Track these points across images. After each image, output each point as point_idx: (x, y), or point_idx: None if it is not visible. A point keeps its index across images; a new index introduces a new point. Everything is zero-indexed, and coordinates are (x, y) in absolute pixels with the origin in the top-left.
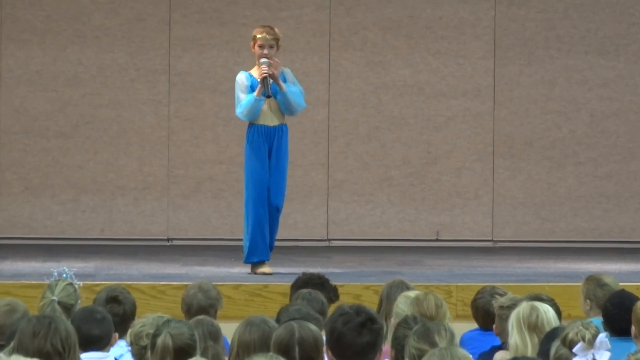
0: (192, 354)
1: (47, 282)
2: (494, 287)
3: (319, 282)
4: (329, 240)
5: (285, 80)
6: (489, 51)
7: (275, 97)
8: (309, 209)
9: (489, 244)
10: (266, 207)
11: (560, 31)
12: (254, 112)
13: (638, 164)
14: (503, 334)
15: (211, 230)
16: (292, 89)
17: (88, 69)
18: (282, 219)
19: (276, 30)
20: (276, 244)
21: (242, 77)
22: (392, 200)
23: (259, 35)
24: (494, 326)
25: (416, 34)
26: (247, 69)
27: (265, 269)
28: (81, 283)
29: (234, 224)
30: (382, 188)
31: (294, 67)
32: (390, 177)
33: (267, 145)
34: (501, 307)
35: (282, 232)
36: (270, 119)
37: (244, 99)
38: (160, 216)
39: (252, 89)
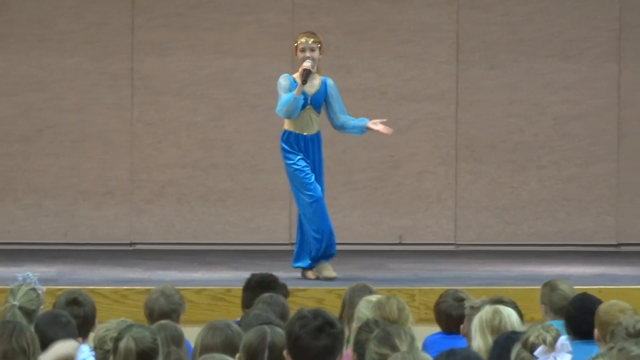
0: (154, 358)
1: (11, 286)
2: (456, 290)
3: (270, 282)
4: (292, 244)
5: (323, 92)
6: (452, 55)
7: (316, 108)
8: (272, 212)
9: (452, 247)
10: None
11: (523, 35)
12: (292, 110)
13: (600, 168)
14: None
15: (174, 234)
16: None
17: (51, 74)
18: (245, 223)
19: (318, 35)
20: (238, 248)
21: (284, 80)
22: (355, 204)
23: (301, 40)
24: (462, 326)
25: (379, 37)
26: (210, 71)
27: (330, 271)
28: (44, 288)
29: (197, 228)
30: (344, 192)
31: (257, 71)
32: (353, 180)
33: (304, 152)
34: (472, 307)
35: (244, 236)
36: (306, 128)
37: (283, 97)
38: (123, 221)
39: (292, 89)
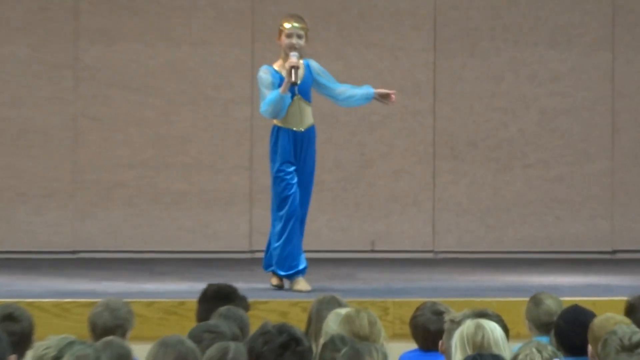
0: None
1: None
2: (434, 303)
3: (228, 293)
4: (252, 252)
5: (307, 77)
6: (429, 43)
7: (305, 97)
8: (230, 217)
9: (430, 255)
10: (299, 219)
11: (506, 20)
12: (279, 109)
13: (592, 166)
14: (449, 351)
15: (122, 241)
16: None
17: None
18: (201, 228)
19: (305, 19)
20: (193, 256)
21: (265, 73)
22: (322, 207)
23: (286, 25)
24: (440, 342)
25: (349, 24)
26: (161, 61)
27: (301, 284)
28: None
29: (147, 234)
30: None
31: (213, 61)
32: (320, 181)
33: (294, 150)
34: (452, 321)
35: (200, 243)
36: (297, 122)
37: (268, 96)
38: (66, 226)
39: (277, 86)
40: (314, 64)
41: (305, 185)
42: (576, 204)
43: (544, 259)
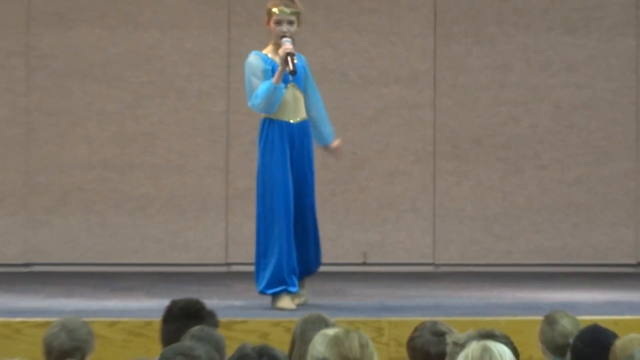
0: None
1: None
2: (435, 322)
3: (197, 310)
4: (229, 264)
5: (299, 69)
6: (429, 27)
7: (299, 85)
8: (203, 225)
9: (430, 268)
10: (291, 224)
11: (517, 2)
12: (272, 102)
13: (614, 167)
14: None
15: (80, 252)
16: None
17: None
18: (171, 238)
19: (297, 2)
20: (162, 269)
21: (256, 59)
22: None
23: (275, 9)
24: None
25: (338, 6)
26: (125, 48)
27: (286, 302)
28: None
29: (109, 244)
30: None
31: (184, 48)
32: None
33: (288, 146)
34: (455, 343)
35: (169, 255)
36: (291, 113)
37: (259, 87)
38: (16, 235)
39: (270, 73)
40: (305, 59)
41: (306, 186)
42: (596, 210)
43: (560, 272)
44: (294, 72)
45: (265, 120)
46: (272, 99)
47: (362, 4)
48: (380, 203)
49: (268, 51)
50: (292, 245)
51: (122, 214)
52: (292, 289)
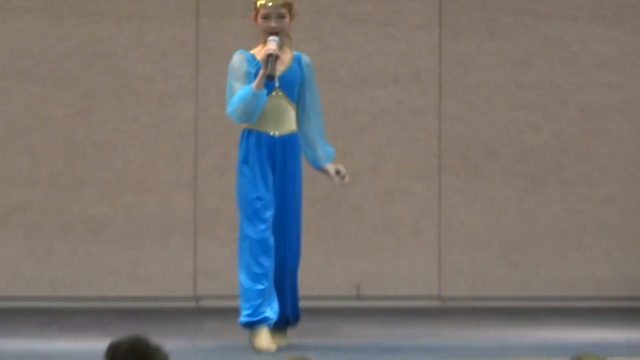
0: None
1: None
2: None
3: (144, 348)
4: (198, 298)
5: (297, 73)
6: (433, 17)
7: (289, 94)
8: (168, 252)
9: (435, 302)
10: (271, 248)
11: None
12: (251, 111)
13: None
14: None
15: (22, 285)
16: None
17: None
18: (129, 268)
19: None
20: (121, 305)
21: (238, 60)
22: None
23: (261, 2)
24: None
25: None
26: (75, 43)
27: (264, 341)
28: None
29: (55, 275)
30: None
31: (145, 42)
32: None
33: (268, 162)
34: None
35: (129, 287)
36: (273, 124)
37: (237, 92)
38: None
39: (253, 77)
40: (307, 61)
41: (287, 211)
42: (631, 233)
43: (588, 307)
44: (272, 77)
45: (244, 131)
46: (250, 107)
47: None
48: (376, 226)
49: (257, 51)
50: (268, 270)
51: (71, 239)
52: (270, 316)
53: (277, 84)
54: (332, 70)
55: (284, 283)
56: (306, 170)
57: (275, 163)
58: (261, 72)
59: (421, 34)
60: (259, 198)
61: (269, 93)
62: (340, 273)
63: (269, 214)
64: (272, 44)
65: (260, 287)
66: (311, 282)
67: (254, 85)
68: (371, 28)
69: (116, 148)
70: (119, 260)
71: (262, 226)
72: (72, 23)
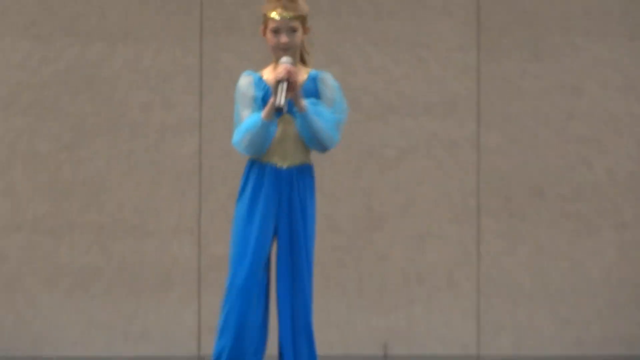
0: None
1: None
2: None
3: None
4: (202, 359)
5: (313, 93)
6: (470, 37)
7: (292, 116)
8: (168, 306)
9: None
10: (264, 299)
11: (588, 3)
12: (259, 142)
13: None
14: None
15: (2, 343)
16: (320, 109)
17: None
18: (124, 324)
19: (300, 2)
20: None
21: (245, 83)
22: None
23: (272, 13)
24: None
25: (347, 8)
26: (60, 66)
27: None
28: None
29: (39, 333)
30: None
31: (142, 66)
32: None
33: (273, 197)
34: None
35: (123, 347)
36: (280, 154)
37: (245, 121)
38: None
39: (262, 102)
40: (326, 78)
41: (297, 254)
42: None
43: None
44: (279, 109)
45: (248, 161)
46: (259, 138)
47: (379, 5)
48: (406, 276)
49: (268, 70)
50: (251, 326)
51: (57, 292)
52: None
53: (284, 109)
54: (355, 98)
55: (299, 342)
56: (326, 213)
57: (281, 199)
58: (270, 100)
59: (457, 56)
60: (246, 238)
61: (277, 116)
62: (365, 330)
63: (258, 258)
64: (283, 66)
65: (218, 343)
66: (332, 341)
67: (263, 114)
68: (399, 50)
69: (109, 188)
70: (112, 316)
71: (244, 273)
72: (59, 44)
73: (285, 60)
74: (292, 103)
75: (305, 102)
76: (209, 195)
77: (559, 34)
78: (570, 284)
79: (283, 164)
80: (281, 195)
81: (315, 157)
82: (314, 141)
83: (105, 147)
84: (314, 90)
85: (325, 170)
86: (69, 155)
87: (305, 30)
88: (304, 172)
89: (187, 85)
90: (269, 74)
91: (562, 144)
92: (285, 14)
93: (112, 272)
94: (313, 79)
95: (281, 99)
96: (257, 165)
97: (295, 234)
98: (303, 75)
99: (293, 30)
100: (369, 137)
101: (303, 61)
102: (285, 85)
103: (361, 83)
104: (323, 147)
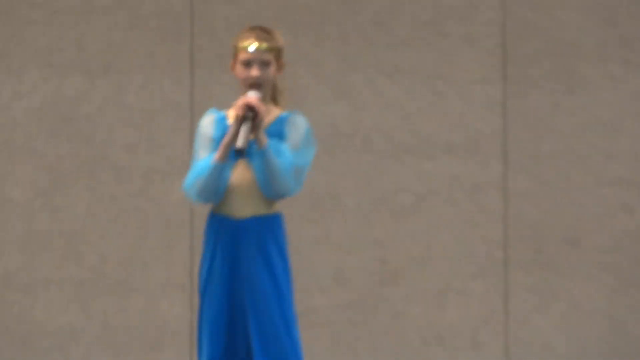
0: None
1: None
2: None
3: None
4: None
5: (277, 134)
6: (495, 68)
7: (250, 156)
8: None
9: None
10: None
11: (625, 29)
12: (211, 189)
13: None
14: None
15: None
16: (281, 149)
17: None
18: None
19: (275, 34)
20: None
21: (206, 123)
22: (315, 351)
23: (242, 45)
24: None
25: (356, 36)
26: (34, 101)
27: None
28: None
29: None
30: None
31: (125, 102)
32: (313, 307)
33: (228, 253)
34: None
35: None
36: (237, 204)
37: (196, 164)
38: None
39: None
40: (297, 120)
41: (263, 319)
42: None
43: None
44: (239, 150)
45: (208, 214)
46: (210, 184)
47: (393, 32)
48: (424, 337)
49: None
50: None
51: (32, 355)
52: None
53: (244, 151)
54: (366, 137)
55: None
56: (335, 267)
57: (239, 254)
58: (224, 140)
59: (480, 89)
60: (206, 308)
61: (233, 163)
62: None
63: (225, 320)
64: (252, 95)
65: None
66: None
67: (216, 155)
68: (415, 82)
69: (90, 239)
70: None
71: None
72: (32, 77)
73: (252, 93)
74: (253, 144)
75: (266, 139)
76: (201, 248)
77: (594, 65)
78: (608, 345)
79: (240, 214)
80: (239, 249)
81: (321, 205)
82: (268, 185)
83: (85, 193)
84: (279, 133)
85: (333, 219)
86: (44, 202)
87: (280, 66)
88: (267, 224)
89: (176, 122)
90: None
91: (600, 188)
92: (258, 45)
93: (93, 333)
94: (281, 121)
95: (241, 139)
96: (213, 218)
97: (258, 295)
98: (271, 116)
99: (266, 64)
100: (382, 181)
101: (274, 101)
102: (249, 124)
103: (372, 120)
104: (277, 193)
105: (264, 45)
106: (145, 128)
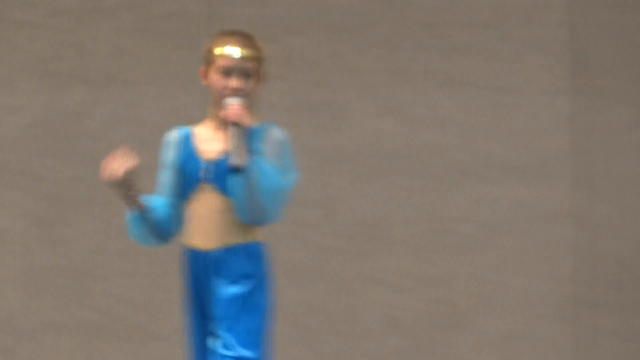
0: None
1: None
2: None
3: None
4: None
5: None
6: (562, 78)
7: (222, 187)
8: None
9: None
10: None
11: None
12: (137, 234)
13: None
14: None
15: None
16: (265, 167)
17: None
18: None
19: (257, 41)
20: None
21: (166, 143)
22: None
23: (221, 51)
24: None
25: (405, 43)
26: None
27: None
28: None
29: None
30: None
31: (134, 117)
32: (360, 354)
33: (199, 292)
34: None
35: None
36: (203, 234)
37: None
38: None
39: (181, 169)
40: (273, 132)
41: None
42: None
43: None
44: (236, 168)
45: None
46: (140, 233)
47: (447, 38)
48: None
49: (203, 127)
50: None
51: None
52: None
53: (202, 175)
54: (417, 158)
55: None
56: (385, 309)
57: (208, 287)
58: (120, 190)
59: (545, 102)
60: (190, 344)
61: (192, 188)
62: None
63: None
64: (232, 102)
65: None
66: None
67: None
68: (473, 94)
69: (99, 276)
70: None
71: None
72: (26, 89)
73: (231, 102)
74: (217, 165)
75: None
76: None
77: None
78: None
79: (208, 246)
80: (208, 282)
81: (367, 237)
82: (249, 208)
83: (91, 222)
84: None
85: (384, 253)
86: (43, 234)
87: (260, 78)
88: (242, 254)
89: None
90: (204, 130)
91: None
92: (240, 52)
93: None
94: (254, 135)
95: (236, 156)
96: (186, 253)
97: (230, 302)
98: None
99: (247, 75)
100: (435, 208)
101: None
102: (238, 135)
103: (424, 138)
104: (258, 218)
105: (248, 52)
106: (158, 146)
